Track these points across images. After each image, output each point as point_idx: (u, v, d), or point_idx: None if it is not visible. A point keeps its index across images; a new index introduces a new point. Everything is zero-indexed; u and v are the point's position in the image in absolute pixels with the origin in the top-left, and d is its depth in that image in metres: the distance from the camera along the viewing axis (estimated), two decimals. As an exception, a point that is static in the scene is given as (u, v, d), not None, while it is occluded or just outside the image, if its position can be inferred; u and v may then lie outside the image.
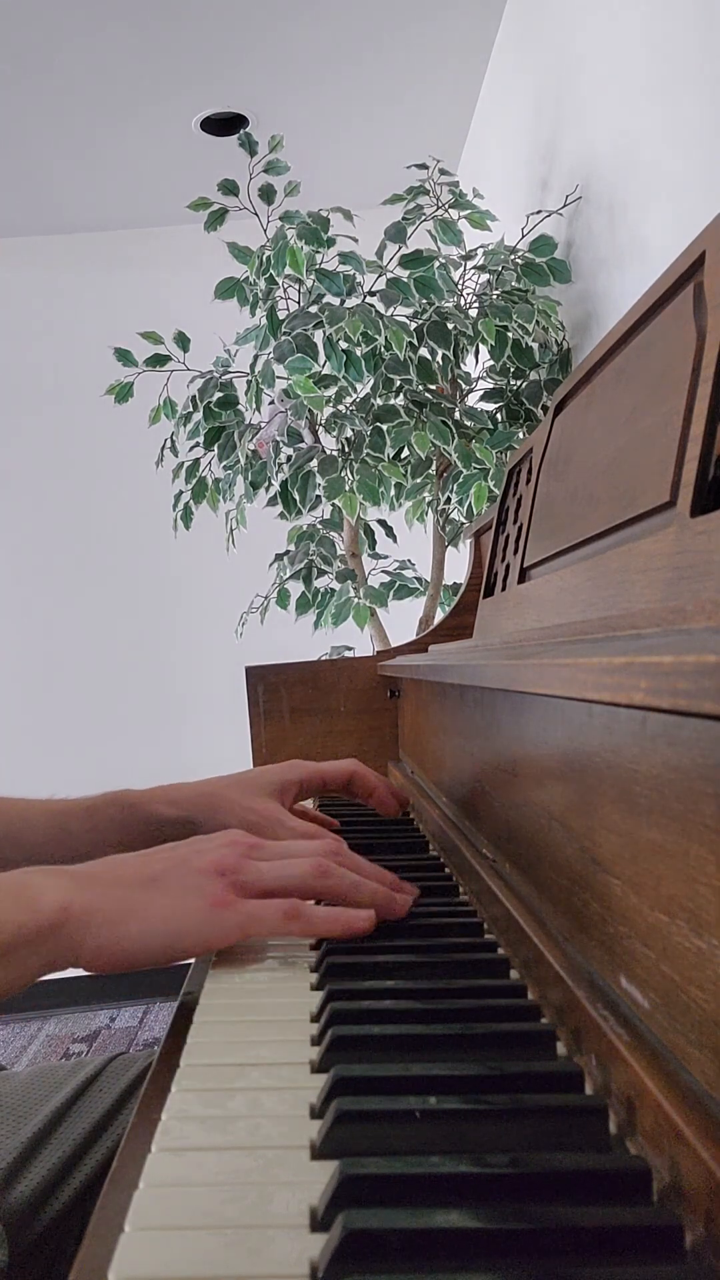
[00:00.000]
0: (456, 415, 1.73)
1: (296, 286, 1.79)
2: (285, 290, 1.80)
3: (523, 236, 1.82)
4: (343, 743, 1.38)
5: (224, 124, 2.50)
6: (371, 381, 1.70)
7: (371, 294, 1.73)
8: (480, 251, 1.79)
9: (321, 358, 1.68)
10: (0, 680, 3.05)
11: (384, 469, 1.71)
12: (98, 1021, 2.75)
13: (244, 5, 2.05)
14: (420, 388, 1.71)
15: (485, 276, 1.75)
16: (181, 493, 2.00)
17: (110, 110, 2.41)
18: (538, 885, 0.56)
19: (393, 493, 1.80)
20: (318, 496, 1.79)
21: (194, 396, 1.91)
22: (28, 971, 0.48)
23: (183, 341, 1.98)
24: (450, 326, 1.66)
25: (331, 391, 1.72)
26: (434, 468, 1.79)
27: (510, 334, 1.66)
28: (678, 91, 1.26)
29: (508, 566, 0.95)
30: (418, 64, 2.30)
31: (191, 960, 0.59)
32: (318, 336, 1.69)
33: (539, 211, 1.80)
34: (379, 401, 1.73)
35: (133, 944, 0.50)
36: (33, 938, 0.48)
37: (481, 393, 1.86)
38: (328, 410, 1.73)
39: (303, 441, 1.80)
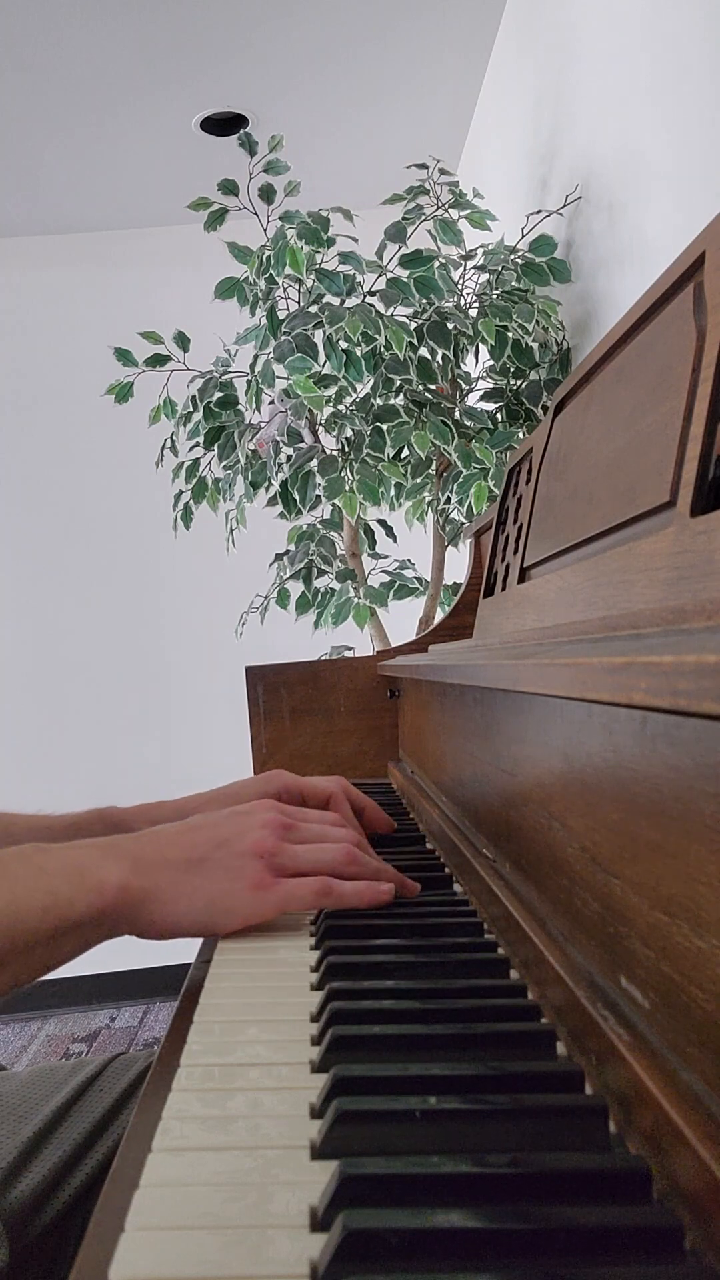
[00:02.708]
0: (456, 415, 1.72)
1: (296, 286, 1.79)
2: (285, 290, 1.80)
3: (523, 236, 1.82)
4: (343, 743, 1.38)
5: (224, 124, 2.50)
6: (371, 381, 1.70)
7: (371, 294, 1.73)
8: (480, 251, 1.79)
9: (321, 358, 1.68)
10: None
11: (384, 469, 1.71)
12: (98, 1021, 2.75)
13: (244, 4, 2.05)
14: (420, 388, 1.71)
15: (485, 276, 1.75)
16: (181, 493, 1.99)
17: (110, 110, 2.41)
18: (538, 885, 0.56)
19: (393, 493, 1.80)
20: (318, 496, 1.79)
21: (194, 396, 1.91)
22: (90, 942, 0.55)
23: (182, 341, 1.98)
24: (450, 326, 1.66)
25: (331, 391, 1.72)
26: (434, 468, 1.79)
27: (510, 334, 1.66)
28: (678, 91, 1.26)
29: (508, 566, 0.95)
30: (418, 64, 2.30)
31: (192, 960, 0.59)
32: (318, 336, 1.69)
33: (539, 211, 1.80)
34: (379, 401, 1.73)
35: (181, 920, 0.57)
36: (98, 915, 0.54)
37: (481, 393, 1.86)
38: (328, 410, 1.73)
39: (303, 441, 1.80)
